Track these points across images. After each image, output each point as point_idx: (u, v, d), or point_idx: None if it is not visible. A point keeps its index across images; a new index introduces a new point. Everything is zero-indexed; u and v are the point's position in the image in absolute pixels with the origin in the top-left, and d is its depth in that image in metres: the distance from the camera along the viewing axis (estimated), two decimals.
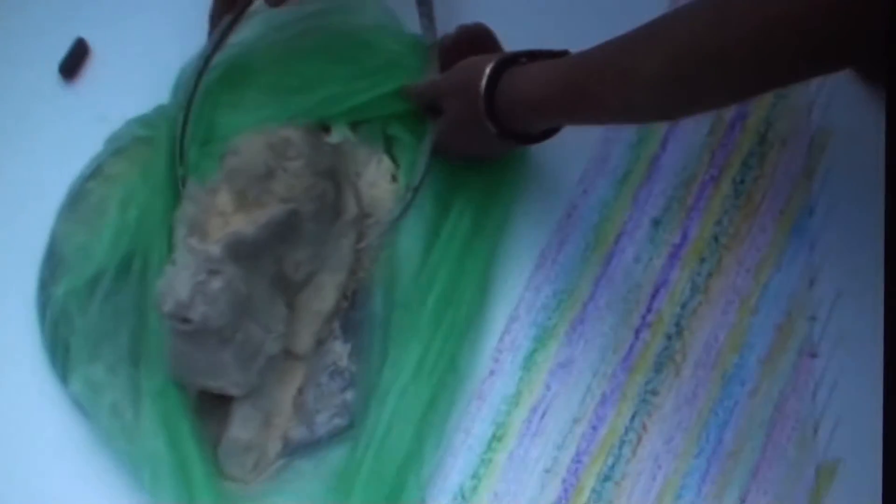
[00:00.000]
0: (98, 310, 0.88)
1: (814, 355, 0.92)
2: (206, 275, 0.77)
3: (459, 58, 0.88)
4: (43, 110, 0.97)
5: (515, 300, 0.93)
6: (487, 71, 0.83)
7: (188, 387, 0.85)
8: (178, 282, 0.77)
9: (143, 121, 0.95)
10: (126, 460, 0.86)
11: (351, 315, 0.90)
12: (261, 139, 0.85)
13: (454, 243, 0.91)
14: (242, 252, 0.79)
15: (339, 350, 0.89)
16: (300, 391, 0.88)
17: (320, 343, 0.89)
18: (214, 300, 0.77)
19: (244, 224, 0.80)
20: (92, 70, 1.01)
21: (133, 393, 0.86)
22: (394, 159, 0.94)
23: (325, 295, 0.88)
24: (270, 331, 0.84)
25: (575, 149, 0.95)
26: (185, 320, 0.77)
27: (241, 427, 0.86)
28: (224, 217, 0.81)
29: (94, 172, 0.94)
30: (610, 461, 0.89)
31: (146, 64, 0.96)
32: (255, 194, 0.83)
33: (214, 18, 0.93)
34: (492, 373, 0.91)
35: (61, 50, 0.99)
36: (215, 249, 0.78)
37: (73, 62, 1.00)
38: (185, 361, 0.81)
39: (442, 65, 0.92)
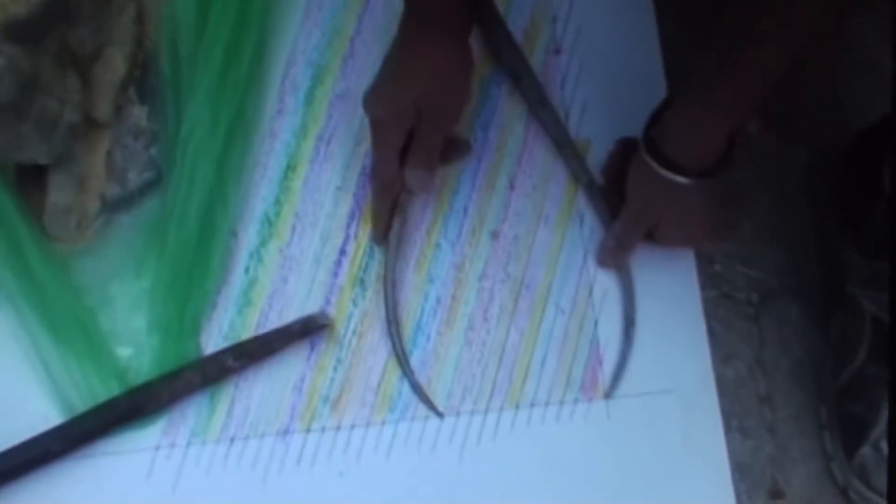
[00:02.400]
0: None
1: (558, 51, 1.04)
2: None
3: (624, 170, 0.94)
4: None
5: (290, 45, 1.03)
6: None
7: (4, 166, 0.95)
8: None
9: None
10: None
11: (144, 80, 1.00)
12: None
13: (230, 1, 1.00)
14: (20, 33, 0.88)
15: (138, 112, 1.00)
16: (109, 154, 0.99)
17: (120, 109, 0.99)
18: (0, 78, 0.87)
19: (17, 5, 0.89)
20: None
21: None
22: None
23: (115, 65, 0.98)
24: (66, 102, 0.94)
25: None
26: None
27: (58, 192, 0.96)
28: (3, 6, 0.90)
29: None
30: None
31: None
32: None
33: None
34: (279, 112, 1.02)
35: None
36: None
37: None
38: None
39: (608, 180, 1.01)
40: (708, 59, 0.83)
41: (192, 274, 0.97)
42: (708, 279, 0.99)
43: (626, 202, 0.94)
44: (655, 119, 0.89)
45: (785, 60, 0.80)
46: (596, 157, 1.01)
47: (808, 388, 0.97)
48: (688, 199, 0.90)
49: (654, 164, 0.88)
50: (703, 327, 0.97)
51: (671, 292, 0.98)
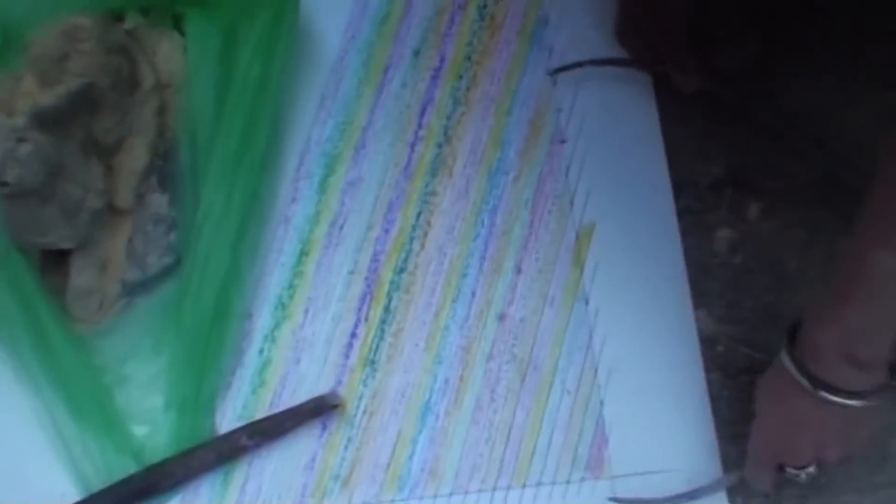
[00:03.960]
0: None
1: (563, 141, 1.08)
2: (14, 143, 0.91)
3: None
4: None
5: (304, 135, 1.07)
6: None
7: (28, 248, 0.99)
8: None
9: None
10: None
11: (165, 169, 1.04)
12: (55, 27, 0.99)
13: (245, 93, 1.05)
14: (46, 121, 0.93)
15: (159, 200, 1.04)
16: (130, 240, 1.03)
17: (141, 197, 1.03)
18: (25, 163, 0.91)
19: (44, 97, 0.94)
20: None
21: None
22: (182, 33, 1.08)
23: (137, 155, 1.03)
24: (89, 189, 0.98)
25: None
26: (3, 184, 0.91)
27: (80, 275, 1.00)
28: (30, 97, 0.95)
29: None
30: (403, 255, 1.05)
31: None
32: (55, 75, 0.97)
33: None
34: (293, 199, 1.06)
35: None
36: (19, 120, 0.92)
37: None
38: (17, 223, 0.95)
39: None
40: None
41: (208, 354, 1.00)
42: (711, 360, 1.01)
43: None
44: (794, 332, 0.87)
45: None
46: (600, 240, 1.04)
47: None
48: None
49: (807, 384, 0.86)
50: (707, 407, 0.99)
51: (675, 373, 1.00)
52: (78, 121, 0.97)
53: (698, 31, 1.05)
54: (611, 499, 0.96)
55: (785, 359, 0.87)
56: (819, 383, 0.86)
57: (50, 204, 0.96)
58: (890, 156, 0.80)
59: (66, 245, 0.98)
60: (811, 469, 0.91)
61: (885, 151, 0.80)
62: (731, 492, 0.97)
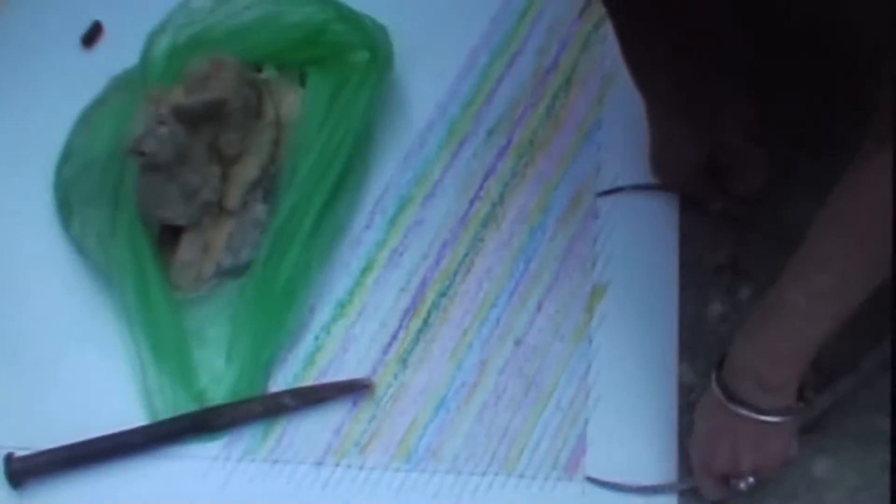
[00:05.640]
0: (91, 179, 1.29)
1: (596, 217, 1.30)
2: (155, 124, 1.18)
3: None
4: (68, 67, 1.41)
5: (386, 180, 1.32)
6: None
7: (150, 223, 1.25)
8: (136, 129, 1.18)
9: (123, 74, 1.37)
10: (105, 275, 1.25)
11: (269, 186, 1.30)
12: (207, 58, 1.27)
13: (343, 141, 1.30)
14: (183, 116, 1.20)
15: (260, 209, 1.29)
16: (231, 234, 1.27)
17: (246, 204, 1.28)
18: (161, 141, 1.18)
19: (186, 100, 1.22)
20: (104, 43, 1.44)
21: (112, 226, 1.25)
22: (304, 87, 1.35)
23: (250, 169, 1.28)
24: (206, 183, 1.24)
25: (435, 80, 1.36)
26: (141, 153, 1.18)
27: (186, 251, 1.25)
28: (176, 96, 1.23)
29: (95, 103, 1.36)
30: (447, 283, 1.27)
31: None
32: (199, 90, 1.25)
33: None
34: (367, 227, 1.30)
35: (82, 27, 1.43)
36: (163, 109, 1.19)
37: (91, 37, 1.43)
38: (146, 195, 1.21)
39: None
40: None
41: (271, 331, 1.23)
42: (685, 404, 1.19)
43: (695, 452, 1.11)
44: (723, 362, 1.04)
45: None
46: (611, 296, 1.24)
47: None
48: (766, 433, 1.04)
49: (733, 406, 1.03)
50: (675, 439, 1.17)
51: (653, 408, 1.18)
52: (208, 127, 1.23)
53: (716, 164, 1.24)
54: (587, 478, 1.15)
55: (712, 378, 1.05)
56: (733, 398, 1.03)
57: (173, 184, 1.21)
58: (825, 214, 0.96)
59: (180, 222, 1.23)
60: (750, 480, 1.08)
61: (825, 209, 0.96)
62: (685, 496, 1.14)
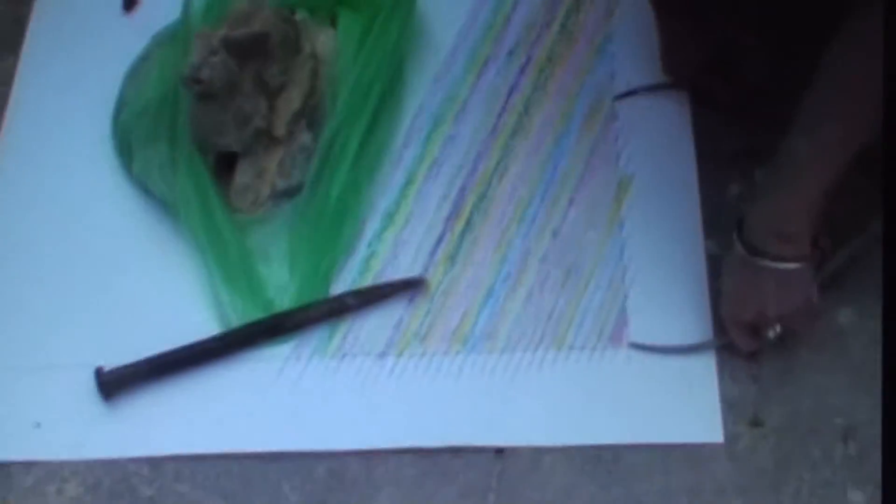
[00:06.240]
0: (147, 122, 1.40)
1: (615, 119, 1.41)
2: (209, 53, 1.29)
3: None
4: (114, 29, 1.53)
5: (419, 103, 1.43)
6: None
7: (207, 151, 1.35)
8: (192, 58, 1.29)
9: (164, 30, 1.48)
10: (170, 206, 1.36)
11: (312, 115, 1.40)
12: (245, 2, 1.39)
13: (375, 72, 1.41)
14: (232, 48, 1.30)
15: (305, 137, 1.39)
16: (281, 160, 1.39)
17: (291, 132, 1.39)
18: (215, 68, 1.28)
19: (234, 32, 1.33)
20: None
21: (172, 161, 1.36)
22: (335, 28, 1.46)
23: (293, 99, 1.39)
24: (256, 112, 1.35)
25: (456, 9, 1.48)
26: (197, 81, 1.29)
27: (243, 176, 1.36)
28: (224, 30, 1.34)
29: (141, 58, 1.48)
30: (484, 188, 1.37)
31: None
32: (242, 27, 1.36)
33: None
34: (405, 145, 1.41)
35: None
36: (214, 41, 1.30)
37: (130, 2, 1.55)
38: (202, 123, 1.32)
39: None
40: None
41: (328, 243, 1.33)
42: (712, 276, 1.30)
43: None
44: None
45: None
46: (636, 186, 1.36)
47: None
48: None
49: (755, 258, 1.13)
50: (707, 302, 1.28)
51: (684, 283, 1.29)
52: (254, 59, 1.34)
53: (722, 59, 1.35)
54: (631, 343, 1.25)
55: (734, 238, 1.16)
56: (755, 251, 1.14)
57: (227, 112, 1.32)
58: (828, 62, 1.06)
59: (235, 147, 1.34)
60: (777, 329, 1.19)
61: (823, 61, 1.06)
62: (722, 352, 1.24)
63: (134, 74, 1.44)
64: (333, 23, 1.46)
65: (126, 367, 1.26)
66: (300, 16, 1.44)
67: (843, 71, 1.05)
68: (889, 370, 0.97)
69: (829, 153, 1.08)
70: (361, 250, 1.33)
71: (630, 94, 1.39)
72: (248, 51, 1.32)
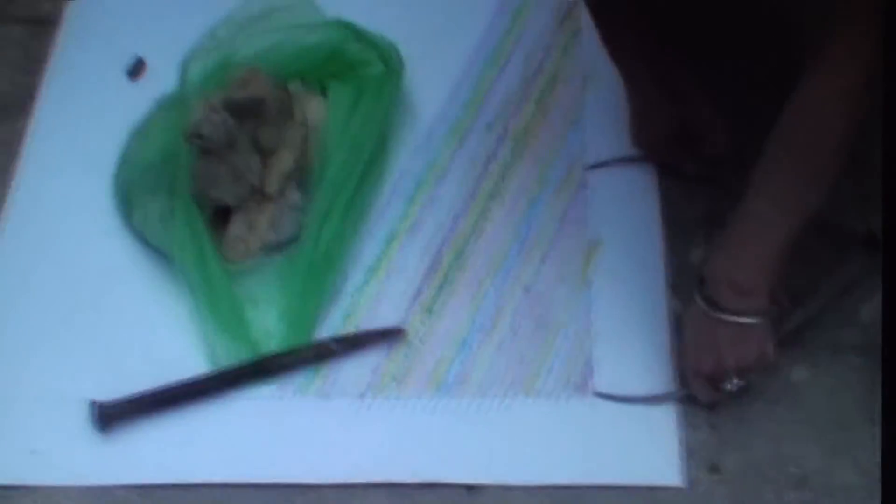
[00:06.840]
0: (150, 174, 1.50)
1: (586, 187, 1.51)
2: (210, 112, 1.40)
3: None
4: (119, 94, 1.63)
5: (403, 166, 1.53)
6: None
7: (203, 205, 1.45)
8: (195, 116, 1.40)
9: (167, 97, 1.59)
10: (166, 252, 1.45)
11: (302, 177, 1.50)
12: (244, 68, 1.49)
13: (367, 144, 1.51)
14: (232, 108, 1.41)
15: (296, 196, 1.49)
16: (272, 216, 1.48)
17: (283, 191, 1.49)
18: (216, 126, 1.38)
19: (237, 95, 1.43)
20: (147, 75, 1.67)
21: (170, 212, 1.46)
22: (325, 97, 1.57)
23: (285, 161, 1.49)
24: (250, 169, 1.45)
25: (437, 83, 1.58)
26: (199, 136, 1.39)
27: (236, 227, 1.45)
28: (226, 92, 1.45)
29: (145, 120, 1.58)
30: (461, 245, 1.46)
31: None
32: (240, 91, 1.47)
33: None
34: (389, 204, 1.50)
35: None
36: (216, 100, 1.41)
37: (135, 71, 1.66)
38: (202, 176, 1.42)
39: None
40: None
41: (314, 293, 1.42)
42: (676, 330, 1.39)
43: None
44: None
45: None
46: (605, 250, 1.45)
47: None
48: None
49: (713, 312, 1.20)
50: (668, 359, 1.37)
51: (647, 338, 1.38)
52: (251, 121, 1.44)
53: (687, 133, 1.45)
54: (596, 393, 1.33)
55: (695, 292, 1.24)
56: (714, 305, 1.22)
57: (224, 166, 1.41)
58: (781, 126, 1.15)
59: (230, 201, 1.43)
60: (735, 381, 1.26)
61: (776, 127, 1.15)
62: (684, 402, 1.32)
63: (137, 135, 1.54)
64: (324, 93, 1.55)
65: (122, 400, 1.33)
66: (293, 85, 1.54)
67: (795, 135, 1.14)
68: (889, 370, 1.02)
69: (782, 210, 1.16)
70: (345, 300, 1.42)
71: (601, 165, 1.49)
72: (246, 112, 1.42)
